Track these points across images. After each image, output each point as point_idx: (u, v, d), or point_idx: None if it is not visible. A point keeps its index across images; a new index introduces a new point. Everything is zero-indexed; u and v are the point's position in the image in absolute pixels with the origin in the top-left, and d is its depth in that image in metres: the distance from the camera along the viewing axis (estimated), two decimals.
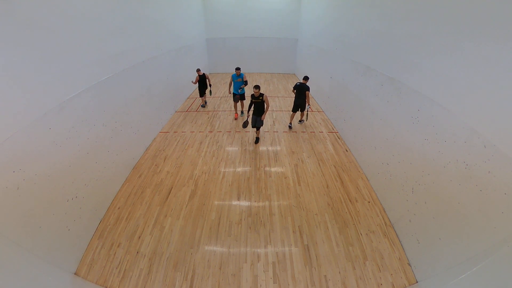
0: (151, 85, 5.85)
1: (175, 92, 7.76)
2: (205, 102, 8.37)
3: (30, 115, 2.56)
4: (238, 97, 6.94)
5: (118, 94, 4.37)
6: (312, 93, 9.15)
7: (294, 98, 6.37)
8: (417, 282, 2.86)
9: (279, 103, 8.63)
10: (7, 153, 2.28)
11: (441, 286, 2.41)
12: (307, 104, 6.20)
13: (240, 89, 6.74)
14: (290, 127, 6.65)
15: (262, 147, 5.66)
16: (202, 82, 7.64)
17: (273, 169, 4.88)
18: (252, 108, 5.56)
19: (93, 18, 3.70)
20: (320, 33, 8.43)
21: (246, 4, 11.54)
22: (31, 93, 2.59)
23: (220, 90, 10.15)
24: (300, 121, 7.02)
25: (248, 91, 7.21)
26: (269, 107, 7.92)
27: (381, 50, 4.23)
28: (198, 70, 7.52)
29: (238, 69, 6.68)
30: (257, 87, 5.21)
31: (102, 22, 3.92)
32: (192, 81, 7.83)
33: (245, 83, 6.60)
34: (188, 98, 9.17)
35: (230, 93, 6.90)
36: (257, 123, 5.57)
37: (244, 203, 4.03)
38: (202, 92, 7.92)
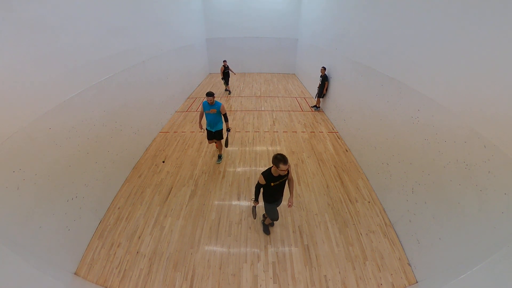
0: (151, 85, 5.85)
1: (175, 92, 7.77)
2: (228, 91, 9.72)
3: (30, 115, 2.56)
4: (213, 134, 4.74)
5: (118, 94, 4.37)
6: (311, 93, 9.19)
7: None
8: (417, 282, 2.86)
9: (279, 103, 8.64)
10: (7, 153, 2.28)
11: (441, 286, 2.41)
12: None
13: (227, 132, 4.72)
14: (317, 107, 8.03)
15: (262, 147, 5.66)
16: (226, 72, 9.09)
17: None
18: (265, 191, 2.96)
19: (93, 18, 3.70)
20: (320, 33, 8.44)
21: (246, 4, 11.55)
22: (31, 93, 2.59)
23: (221, 89, 10.16)
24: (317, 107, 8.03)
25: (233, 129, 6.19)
26: (272, 112, 7.95)
27: (381, 50, 4.23)
28: (224, 61, 9.23)
29: (210, 94, 4.28)
30: (284, 160, 2.45)
31: (102, 22, 3.92)
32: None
33: (227, 129, 4.65)
34: (188, 98, 9.18)
35: (201, 128, 4.74)
36: (275, 215, 3.17)
37: (244, 203, 4.02)
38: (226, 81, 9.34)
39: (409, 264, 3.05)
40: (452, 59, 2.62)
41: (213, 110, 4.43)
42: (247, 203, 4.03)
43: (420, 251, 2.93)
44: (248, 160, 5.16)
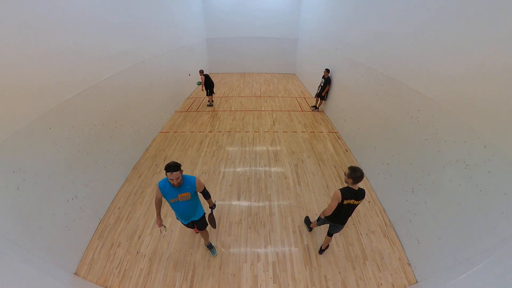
0: (151, 85, 5.85)
1: (175, 92, 7.77)
2: (212, 101, 8.43)
3: (30, 115, 2.56)
4: (192, 224, 2.87)
5: (118, 94, 4.37)
6: (311, 93, 9.18)
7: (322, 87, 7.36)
8: (417, 282, 2.86)
9: (279, 103, 8.63)
10: (7, 153, 2.28)
11: (441, 286, 2.41)
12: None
13: (211, 209, 2.92)
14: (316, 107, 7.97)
15: (262, 147, 5.66)
16: (208, 82, 7.85)
17: (273, 169, 4.88)
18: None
19: (93, 18, 3.70)
20: (320, 33, 8.44)
21: (246, 4, 11.54)
22: (31, 93, 2.59)
23: (220, 90, 10.15)
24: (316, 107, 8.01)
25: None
26: (272, 112, 7.83)
27: (381, 50, 4.23)
28: (201, 72, 7.77)
29: (173, 168, 2.21)
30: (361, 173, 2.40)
31: (102, 22, 3.91)
32: (199, 83, 7.93)
33: (212, 206, 2.88)
34: (188, 98, 9.17)
35: (160, 225, 2.69)
36: (336, 230, 2.93)
37: (244, 203, 4.02)
38: (210, 91, 8.07)
39: (409, 264, 3.05)
40: (452, 59, 2.62)
41: (185, 196, 2.45)
42: (247, 203, 4.03)
43: (420, 251, 2.93)
44: (248, 160, 5.16)
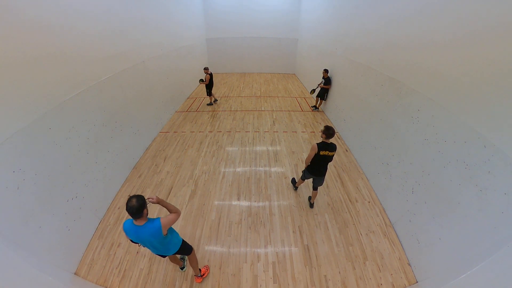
0: (151, 85, 5.85)
1: (175, 92, 7.77)
2: (214, 101, 8.55)
3: (30, 115, 2.56)
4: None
5: (118, 94, 4.37)
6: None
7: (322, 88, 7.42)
8: (417, 282, 2.86)
9: (279, 103, 8.64)
10: (7, 153, 2.28)
11: (441, 286, 2.41)
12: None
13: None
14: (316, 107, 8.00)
15: (262, 147, 5.66)
16: (211, 80, 7.88)
17: (273, 169, 4.88)
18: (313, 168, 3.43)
19: (93, 18, 3.70)
20: (320, 33, 8.44)
21: (246, 4, 11.54)
22: (31, 93, 2.59)
23: (220, 90, 10.16)
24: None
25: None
26: (272, 112, 7.92)
27: (381, 50, 4.23)
28: (206, 69, 7.73)
29: (136, 214, 1.85)
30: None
31: (102, 22, 3.92)
32: (202, 81, 7.75)
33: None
34: (188, 98, 9.17)
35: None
36: (319, 183, 3.63)
37: (244, 203, 4.02)
38: (210, 91, 8.10)
39: (409, 264, 3.05)
40: (452, 59, 2.63)
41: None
42: (247, 203, 4.03)
43: (420, 251, 2.93)
44: (248, 160, 5.16)
